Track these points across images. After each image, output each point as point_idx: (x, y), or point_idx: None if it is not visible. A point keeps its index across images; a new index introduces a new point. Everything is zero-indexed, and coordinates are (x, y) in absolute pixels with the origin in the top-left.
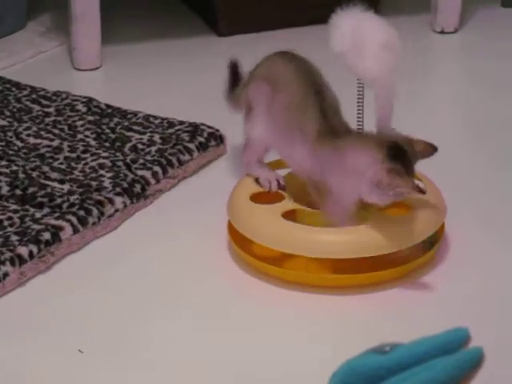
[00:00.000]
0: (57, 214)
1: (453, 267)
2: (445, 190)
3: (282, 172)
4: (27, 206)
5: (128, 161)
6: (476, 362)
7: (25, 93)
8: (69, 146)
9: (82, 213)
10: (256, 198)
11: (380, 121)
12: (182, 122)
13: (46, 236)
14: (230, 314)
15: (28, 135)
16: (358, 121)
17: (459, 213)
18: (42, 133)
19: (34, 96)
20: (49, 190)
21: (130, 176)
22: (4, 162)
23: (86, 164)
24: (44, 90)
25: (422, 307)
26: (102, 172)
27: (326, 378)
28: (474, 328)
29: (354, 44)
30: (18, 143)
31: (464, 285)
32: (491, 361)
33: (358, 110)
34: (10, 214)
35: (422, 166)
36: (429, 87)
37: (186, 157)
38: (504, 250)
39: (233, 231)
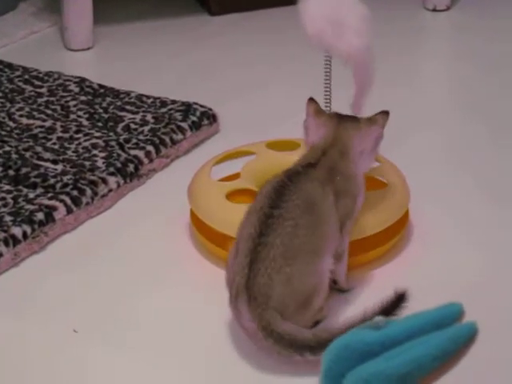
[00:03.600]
0: (50, 195)
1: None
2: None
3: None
4: (20, 187)
5: (121, 140)
6: (470, 336)
7: (17, 73)
8: (62, 127)
9: (75, 193)
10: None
11: (356, 97)
12: (174, 102)
13: (40, 216)
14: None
15: (21, 116)
16: (325, 99)
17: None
18: (35, 113)
19: (26, 76)
20: (42, 170)
21: (123, 156)
22: None
23: (79, 144)
24: (36, 70)
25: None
26: (95, 152)
27: None
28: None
29: (330, 22)
30: (11, 124)
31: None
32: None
33: (326, 88)
34: (4, 194)
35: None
36: (420, 65)
37: (179, 136)
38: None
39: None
